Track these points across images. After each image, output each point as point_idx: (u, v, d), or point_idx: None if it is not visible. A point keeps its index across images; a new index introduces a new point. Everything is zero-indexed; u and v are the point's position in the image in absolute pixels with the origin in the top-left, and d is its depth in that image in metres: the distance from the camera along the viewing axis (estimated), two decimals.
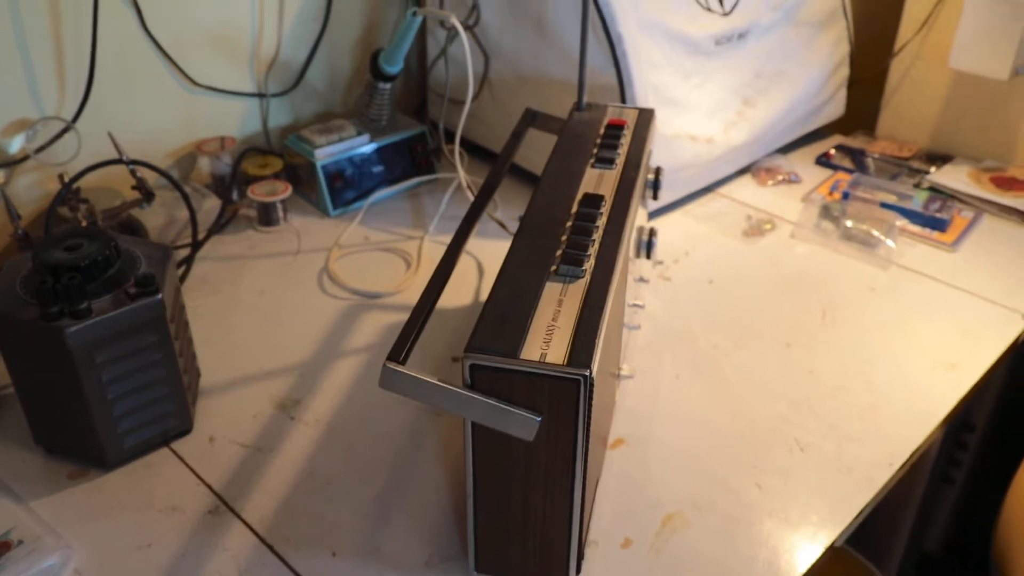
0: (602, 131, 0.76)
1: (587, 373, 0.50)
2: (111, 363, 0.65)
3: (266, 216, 1.04)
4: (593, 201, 0.64)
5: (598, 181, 0.68)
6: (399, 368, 0.53)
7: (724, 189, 1.14)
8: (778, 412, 0.77)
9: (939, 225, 1.04)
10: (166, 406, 0.70)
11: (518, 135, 0.80)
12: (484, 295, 0.93)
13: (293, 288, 0.93)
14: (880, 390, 0.80)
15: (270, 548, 0.64)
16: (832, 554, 0.66)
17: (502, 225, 1.04)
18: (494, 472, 0.56)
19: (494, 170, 0.73)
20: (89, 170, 0.87)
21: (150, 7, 0.99)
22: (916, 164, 1.18)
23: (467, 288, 0.94)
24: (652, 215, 1.07)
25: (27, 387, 0.68)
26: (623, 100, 0.97)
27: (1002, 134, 1.17)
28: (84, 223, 0.89)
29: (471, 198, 1.04)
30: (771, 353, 0.84)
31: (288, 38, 1.13)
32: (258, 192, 1.02)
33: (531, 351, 0.51)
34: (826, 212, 1.05)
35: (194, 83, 1.07)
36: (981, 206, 1.10)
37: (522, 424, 0.51)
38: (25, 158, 0.95)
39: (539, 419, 0.51)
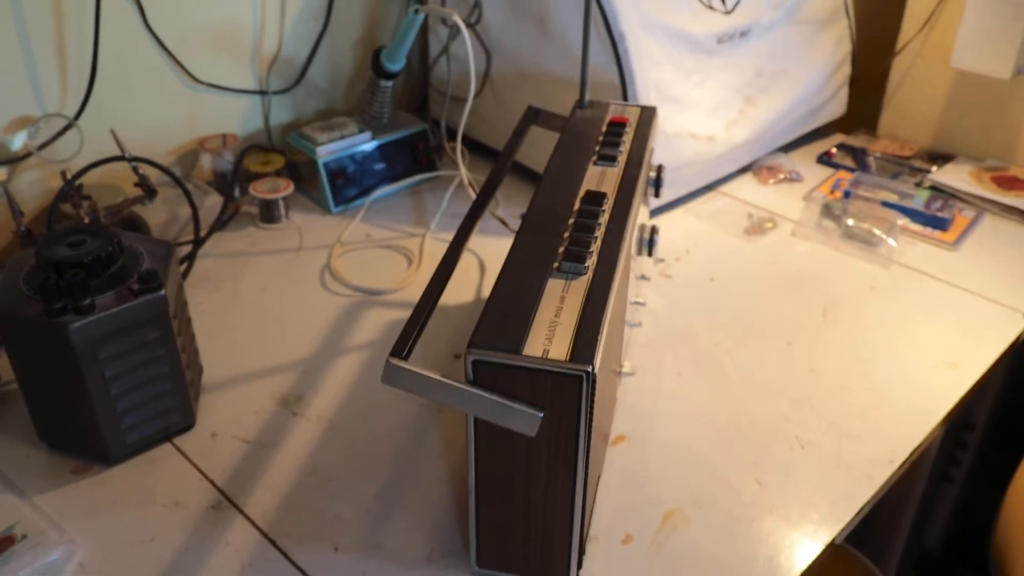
0: (604, 129, 0.76)
1: (589, 369, 0.50)
2: (114, 359, 0.65)
3: (268, 213, 1.04)
4: (595, 199, 0.64)
5: (600, 179, 0.68)
6: (402, 364, 0.53)
7: (725, 187, 1.14)
8: (779, 410, 0.77)
9: (940, 224, 1.05)
10: (169, 402, 0.71)
11: (520, 133, 0.80)
12: (486, 292, 0.94)
13: (295, 285, 0.94)
14: (881, 388, 0.80)
15: (272, 543, 0.64)
16: (832, 551, 0.66)
17: (504, 223, 1.04)
18: (496, 468, 0.56)
19: (496, 167, 0.73)
20: (91, 167, 0.87)
21: (152, 5, 0.99)
22: (917, 163, 1.18)
23: (469, 285, 0.95)
24: (654, 213, 1.07)
25: (31, 383, 0.68)
26: (625, 98, 0.97)
27: (1004, 133, 1.17)
28: (87, 220, 0.90)
29: (473, 196, 1.04)
30: (772, 351, 0.85)
31: (290, 35, 1.13)
32: (260, 189, 1.03)
33: (534, 347, 0.51)
34: (827, 211, 1.06)
35: (196, 80, 1.07)
36: (982, 205, 1.10)
37: (524, 420, 0.52)
38: (27, 155, 0.95)
39: (541, 415, 0.52)
